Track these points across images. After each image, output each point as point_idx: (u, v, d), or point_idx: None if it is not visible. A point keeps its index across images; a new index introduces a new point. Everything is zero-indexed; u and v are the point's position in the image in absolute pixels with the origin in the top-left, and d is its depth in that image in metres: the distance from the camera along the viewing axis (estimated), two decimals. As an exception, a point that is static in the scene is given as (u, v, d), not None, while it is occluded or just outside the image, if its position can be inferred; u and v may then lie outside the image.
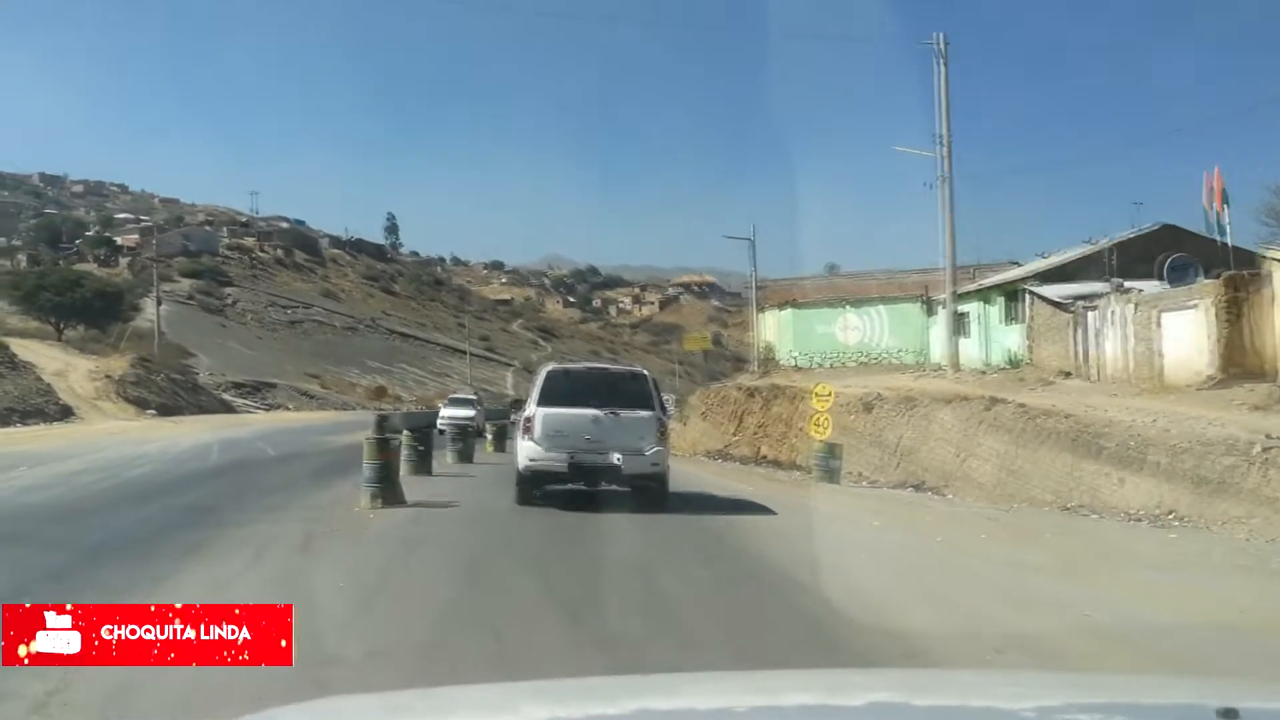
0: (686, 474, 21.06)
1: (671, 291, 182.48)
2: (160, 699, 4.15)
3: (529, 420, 12.54)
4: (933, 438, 21.28)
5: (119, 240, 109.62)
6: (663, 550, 9.27)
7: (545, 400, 12.54)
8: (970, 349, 31.14)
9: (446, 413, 34.64)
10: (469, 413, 34.38)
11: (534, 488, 12.54)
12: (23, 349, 48.43)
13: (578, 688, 2.66)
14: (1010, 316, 30.11)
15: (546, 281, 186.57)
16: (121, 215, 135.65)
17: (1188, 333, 20.80)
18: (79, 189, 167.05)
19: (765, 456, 30.57)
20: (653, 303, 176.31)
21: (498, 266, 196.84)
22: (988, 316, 31.53)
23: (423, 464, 16.74)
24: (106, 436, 27.05)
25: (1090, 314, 24.77)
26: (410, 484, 13.96)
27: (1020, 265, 39.99)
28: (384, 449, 11.69)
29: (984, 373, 28.34)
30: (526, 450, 12.39)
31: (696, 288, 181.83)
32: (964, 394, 21.48)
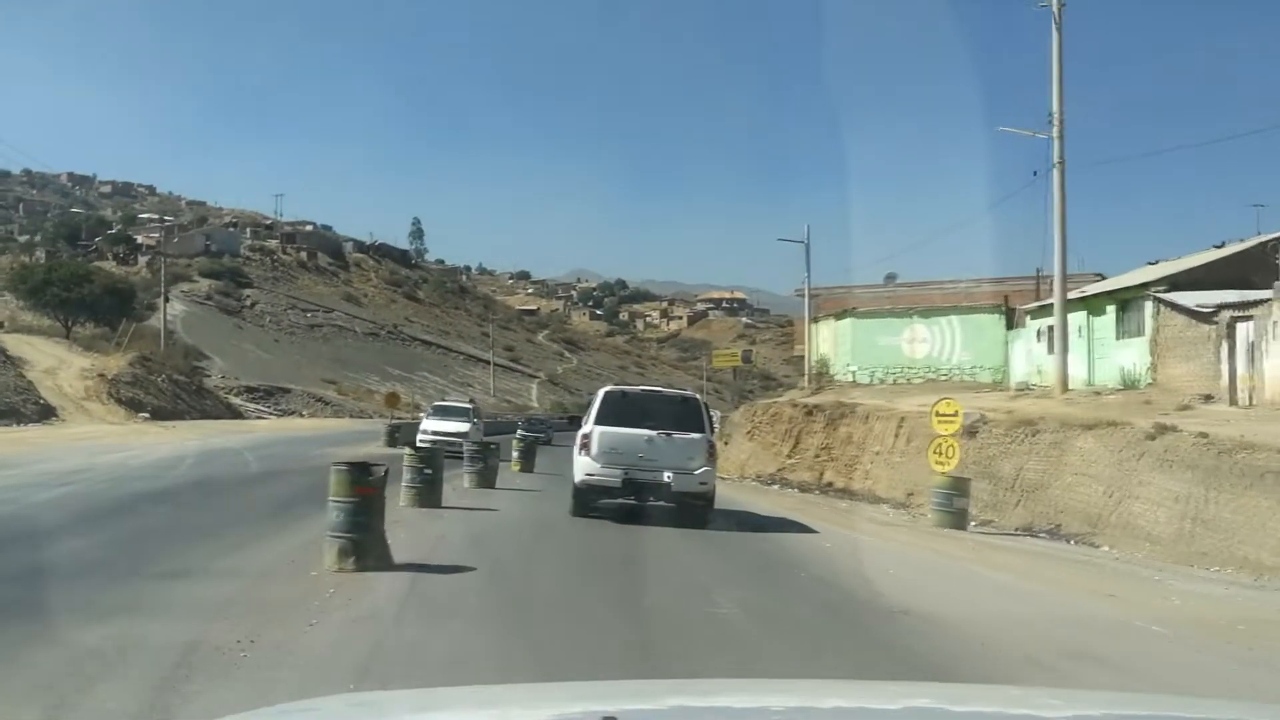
0: (750, 505, 16.96)
1: (700, 307, 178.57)
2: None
3: (586, 437, 12.98)
4: (1068, 472, 17.02)
5: (139, 239, 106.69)
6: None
7: (603, 419, 13.06)
8: (1070, 366, 26.80)
9: (430, 426, 26.92)
10: (461, 426, 26.26)
11: (589, 501, 13.12)
12: (23, 345, 45.21)
13: (617, 688, 2.66)
14: (1125, 329, 25.77)
15: (574, 294, 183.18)
16: (145, 215, 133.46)
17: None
18: (107, 189, 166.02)
19: (831, 484, 26.38)
20: (680, 318, 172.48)
21: (524, 277, 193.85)
22: (1093, 329, 27.20)
23: (429, 493, 12.71)
24: (72, 442, 23.32)
25: (1243, 326, 20.42)
26: (410, 523, 10.02)
27: (1104, 278, 35.76)
28: (360, 481, 7.62)
29: (1098, 394, 24.01)
30: (583, 465, 12.93)
31: (726, 303, 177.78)
32: (1108, 419, 17.23)
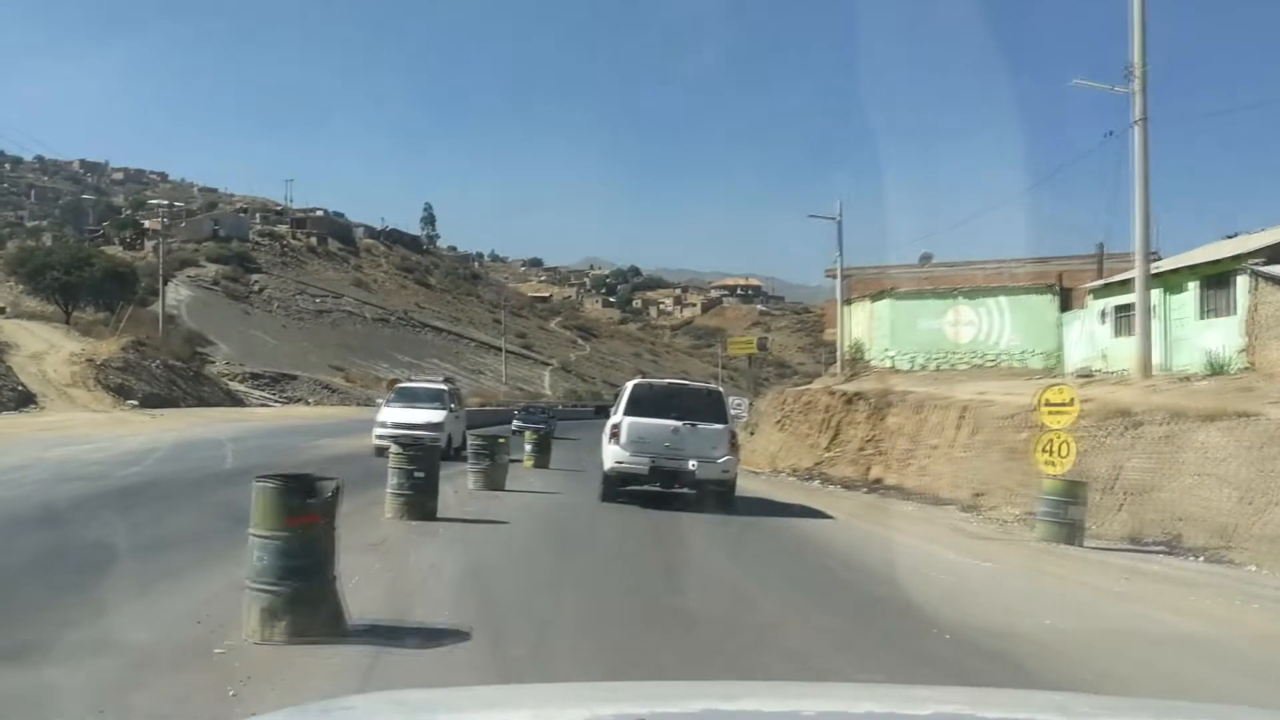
0: (805, 509, 14.39)
1: (714, 294, 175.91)
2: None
3: (616, 427, 13.61)
4: (1186, 472, 14.38)
5: (146, 224, 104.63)
6: None
7: (631, 410, 13.73)
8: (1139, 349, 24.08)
9: (391, 415, 20.53)
10: (433, 416, 20.70)
11: (617, 487, 13.72)
12: (19, 330, 43.22)
13: (648, 689, 2.62)
14: (1210, 308, 23.07)
15: (586, 281, 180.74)
16: (154, 201, 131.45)
17: None
18: (119, 176, 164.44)
19: (880, 480, 23.80)
20: (694, 305, 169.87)
21: (536, 264, 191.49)
22: (1170, 308, 24.46)
23: (422, 501, 10.17)
24: (36, 432, 20.99)
25: (1369, 301, 17.69)
26: (393, 546, 7.56)
27: (1160, 256, 32.94)
28: (294, 506, 5.04)
29: (1185, 379, 21.29)
30: (613, 454, 13.57)
31: (741, 290, 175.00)
32: (1234, 409, 14.57)
